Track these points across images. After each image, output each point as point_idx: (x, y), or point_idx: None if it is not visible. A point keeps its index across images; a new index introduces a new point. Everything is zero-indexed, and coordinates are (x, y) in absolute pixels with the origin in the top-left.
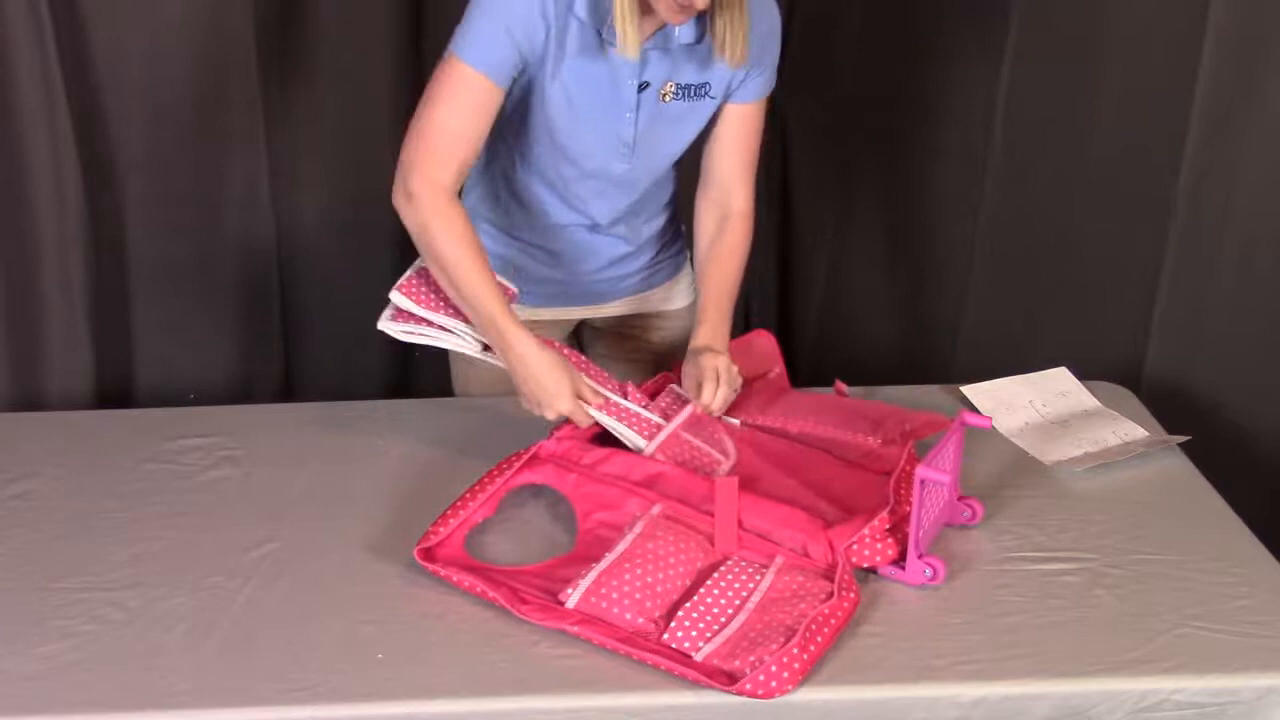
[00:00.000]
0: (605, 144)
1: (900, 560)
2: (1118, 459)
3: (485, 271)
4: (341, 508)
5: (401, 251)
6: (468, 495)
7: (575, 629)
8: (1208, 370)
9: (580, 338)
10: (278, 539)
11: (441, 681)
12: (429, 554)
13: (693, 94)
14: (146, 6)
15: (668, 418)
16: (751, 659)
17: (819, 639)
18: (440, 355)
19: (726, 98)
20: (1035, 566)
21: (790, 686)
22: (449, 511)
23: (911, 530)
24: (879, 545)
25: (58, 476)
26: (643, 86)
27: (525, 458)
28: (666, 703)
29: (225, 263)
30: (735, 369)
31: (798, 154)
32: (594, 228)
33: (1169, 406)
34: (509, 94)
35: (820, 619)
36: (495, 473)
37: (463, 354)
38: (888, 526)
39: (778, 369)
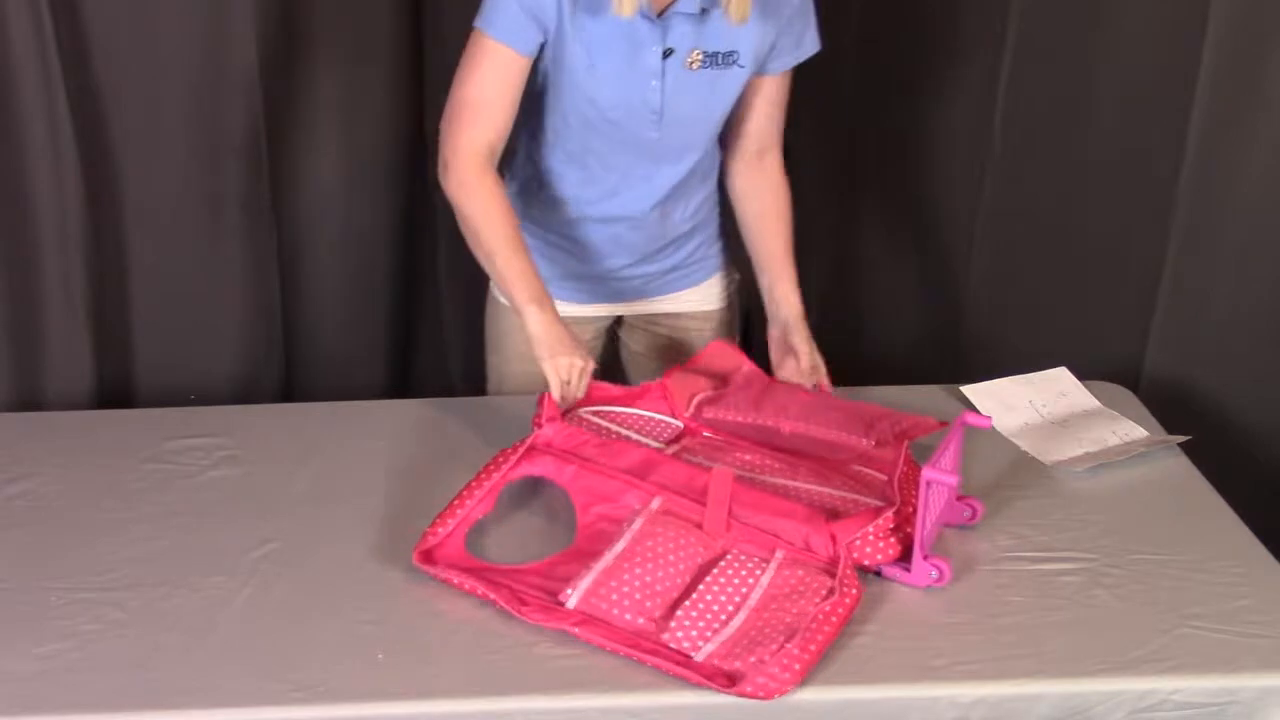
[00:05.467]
0: (633, 111)
1: (903, 561)
2: (1118, 459)
3: (513, 243)
4: (341, 508)
5: (403, 252)
6: (465, 492)
7: (576, 630)
8: (1208, 370)
9: (616, 335)
10: (278, 539)
11: (441, 681)
12: (428, 556)
13: (720, 61)
14: (147, 6)
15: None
16: (751, 659)
17: (819, 638)
18: (441, 355)
19: (760, 70)
20: (1035, 566)
21: (790, 687)
22: (446, 511)
23: (917, 531)
24: (881, 544)
25: (58, 476)
26: (667, 53)
27: (521, 450)
28: (666, 703)
29: (225, 263)
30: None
31: (797, 154)
32: (626, 217)
33: (1169, 406)
34: (536, 70)
35: (821, 617)
36: (492, 467)
37: (496, 354)
38: (891, 526)
39: (746, 366)
